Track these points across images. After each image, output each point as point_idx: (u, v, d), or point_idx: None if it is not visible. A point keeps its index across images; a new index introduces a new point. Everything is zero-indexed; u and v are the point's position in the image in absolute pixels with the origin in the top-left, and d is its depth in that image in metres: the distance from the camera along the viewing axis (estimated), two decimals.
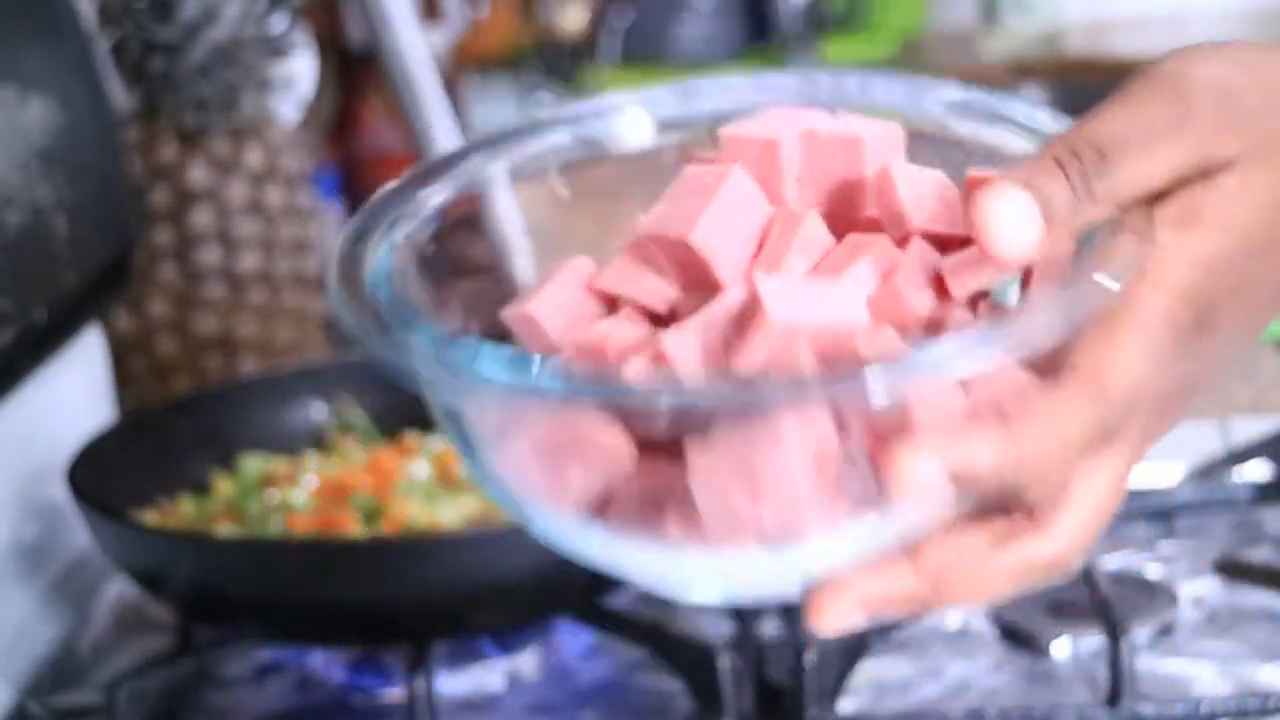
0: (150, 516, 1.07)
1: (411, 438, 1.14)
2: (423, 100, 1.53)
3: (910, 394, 0.57)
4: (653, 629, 0.99)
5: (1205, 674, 0.97)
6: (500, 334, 0.64)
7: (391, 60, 1.53)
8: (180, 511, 1.09)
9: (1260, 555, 1.10)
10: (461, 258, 0.67)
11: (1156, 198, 0.62)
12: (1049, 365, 0.59)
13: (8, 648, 1.04)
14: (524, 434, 0.61)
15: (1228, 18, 3.13)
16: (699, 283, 0.62)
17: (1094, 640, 0.99)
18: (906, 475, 0.57)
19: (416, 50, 1.53)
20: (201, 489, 1.11)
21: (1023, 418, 0.58)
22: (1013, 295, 0.63)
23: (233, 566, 0.97)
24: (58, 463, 1.05)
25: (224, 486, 1.11)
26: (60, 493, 1.04)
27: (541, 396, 0.57)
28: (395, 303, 0.61)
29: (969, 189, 0.62)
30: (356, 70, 2.16)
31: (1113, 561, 1.10)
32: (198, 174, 1.39)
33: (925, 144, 0.65)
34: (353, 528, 1.02)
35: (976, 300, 0.63)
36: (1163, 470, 1.20)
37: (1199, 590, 1.06)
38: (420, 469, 1.08)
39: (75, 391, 1.20)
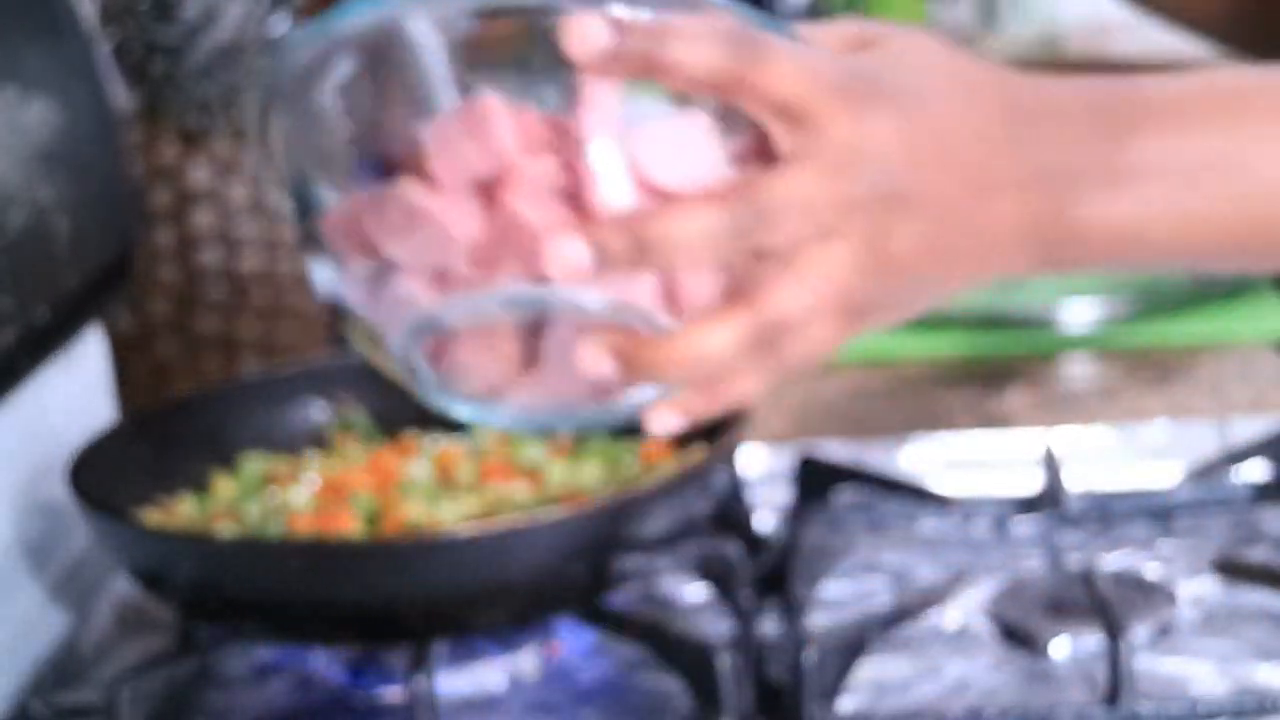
0: (151, 516, 1.08)
1: (412, 438, 1.14)
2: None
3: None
4: (653, 629, 0.99)
5: (1204, 673, 0.97)
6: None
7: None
8: (181, 511, 1.09)
9: (1258, 555, 1.10)
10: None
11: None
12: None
13: (9, 647, 1.05)
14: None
15: None
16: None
17: (1093, 640, 0.99)
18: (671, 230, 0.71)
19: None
20: (202, 489, 1.11)
21: (757, 183, 0.72)
22: None
23: (233, 566, 0.97)
24: (58, 462, 1.05)
25: (224, 486, 1.11)
26: (61, 492, 1.04)
27: None
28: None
29: None
30: None
31: (1111, 561, 1.10)
32: (199, 174, 1.39)
33: None
34: (353, 528, 1.02)
35: None
36: (1162, 470, 1.21)
37: (1197, 590, 1.06)
38: (421, 469, 1.08)
39: (76, 391, 1.20)
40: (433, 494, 1.05)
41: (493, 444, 1.11)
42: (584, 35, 0.71)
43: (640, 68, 0.72)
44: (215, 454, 1.14)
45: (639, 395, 0.76)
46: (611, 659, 1.02)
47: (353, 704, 1.01)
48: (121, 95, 1.37)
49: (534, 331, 0.75)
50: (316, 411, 1.18)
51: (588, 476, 1.08)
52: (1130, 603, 1.02)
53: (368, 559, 0.95)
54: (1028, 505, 1.16)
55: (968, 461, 1.25)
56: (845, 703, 0.96)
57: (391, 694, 1.01)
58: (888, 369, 1.44)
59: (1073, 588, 1.04)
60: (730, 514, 1.10)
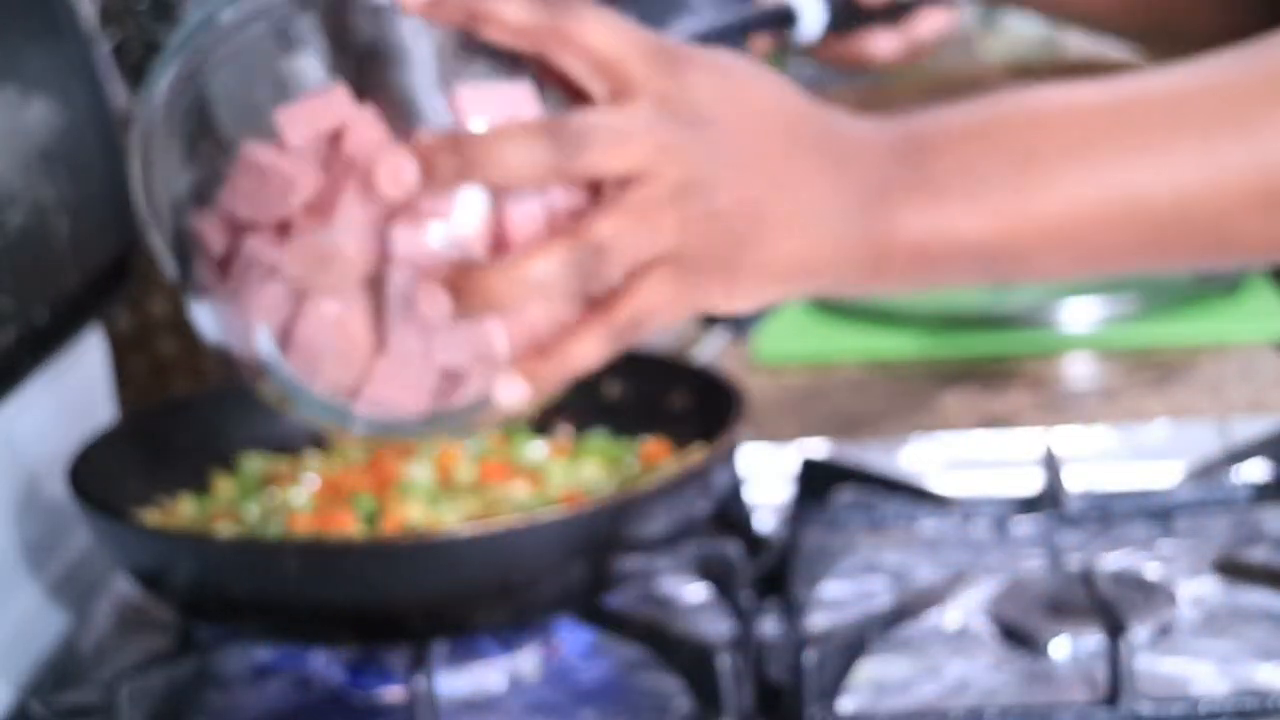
0: (151, 516, 1.08)
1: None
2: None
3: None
4: (653, 629, 0.99)
5: (1204, 673, 0.97)
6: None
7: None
8: (180, 511, 1.09)
9: (1259, 555, 1.10)
10: None
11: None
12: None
13: (9, 646, 1.05)
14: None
15: None
16: None
17: (1093, 639, 0.99)
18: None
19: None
20: (202, 489, 1.12)
21: (575, 112, 0.78)
22: None
23: (233, 566, 0.97)
24: (58, 462, 1.05)
25: (224, 486, 1.11)
26: (61, 492, 1.04)
27: None
28: None
29: None
30: None
31: (1112, 561, 1.10)
32: None
33: None
34: (353, 528, 1.02)
35: None
36: (1162, 470, 1.21)
37: (1198, 590, 1.06)
38: (421, 469, 1.08)
39: (76, 391, 1.20)
40: (432, 494, 1.05)
41: (493, 444, 1.11)
42: None
43: (462, 16, 0.79)
44: (215, 454, 1.14)
45: (486, 385, 0.80)
46: (611, 659, 1.02)
47: (352, 704, 1.01)
48: (121, 95, 1.37)
49: (379, 315, 0.78)
50: None
51: (588, 476, 1.08)
52: (1130, 603, 1.02)
53: (368, 559, 0.95)
54: (1028, 505, 1.16)
55: (968, 461, 1.25)
56: (845, 703, 0.96)
57: (391, 694, 1.01)
58: (888, 369, 1.44)
59: (1073, 588, 1.04)
60: (730, 514, 1.10)
